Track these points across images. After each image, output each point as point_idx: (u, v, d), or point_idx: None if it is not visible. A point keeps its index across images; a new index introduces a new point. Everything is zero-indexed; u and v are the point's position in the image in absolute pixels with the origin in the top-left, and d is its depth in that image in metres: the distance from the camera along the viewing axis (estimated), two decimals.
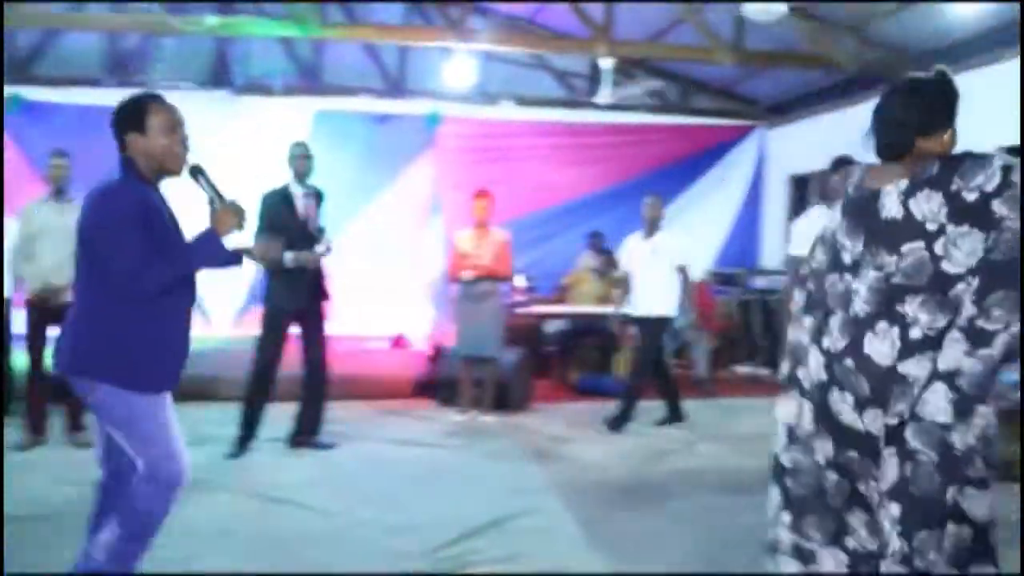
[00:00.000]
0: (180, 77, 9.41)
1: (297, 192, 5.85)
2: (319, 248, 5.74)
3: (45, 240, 5.60)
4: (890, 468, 2.22)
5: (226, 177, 9.93)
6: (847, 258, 2.38)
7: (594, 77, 10.42)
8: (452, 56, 8.96)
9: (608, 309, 8.77)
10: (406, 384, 7.74)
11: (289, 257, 5.40)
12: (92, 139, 9.53)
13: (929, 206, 2.22)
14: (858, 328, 2.29)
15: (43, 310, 5.56)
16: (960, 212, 2.17)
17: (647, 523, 4.43)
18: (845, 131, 9.23)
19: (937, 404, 2.14)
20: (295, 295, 5.64)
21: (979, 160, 2.18)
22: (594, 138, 10.52)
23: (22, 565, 3.59)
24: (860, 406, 2.27)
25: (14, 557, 3.65)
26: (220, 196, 3.09)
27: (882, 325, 2.25)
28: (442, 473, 5.35)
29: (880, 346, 2.25)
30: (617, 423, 6.56)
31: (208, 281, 9.25)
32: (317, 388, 5.82)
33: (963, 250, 2.16)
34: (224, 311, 10.11)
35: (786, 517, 2.57)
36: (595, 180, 10.50)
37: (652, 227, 6.74)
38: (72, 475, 4.93)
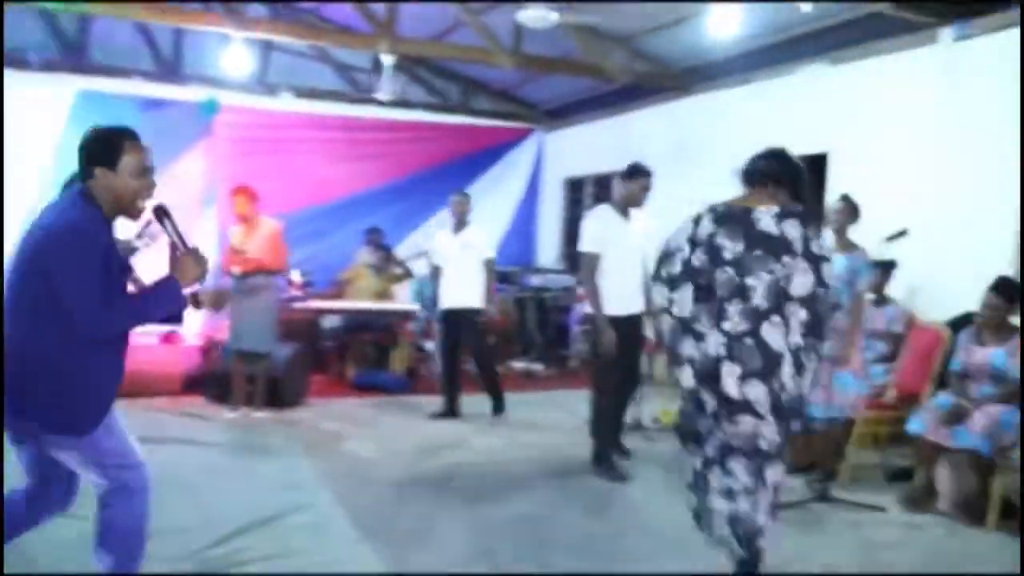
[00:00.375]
0: None
1: None
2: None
3: None
4: (768, 428, 3.12)
5: None
6: (728, 256, 3.16)
7: (376, 72, 10.39)
8: (230, 43, 8.64)
9: (386, 305, 8.83)
10: (175, 380, 7.39)
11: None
12: None
13: (794, 233, 3.11)
14: (757, 318, 3.09)
15: None
16: (806, 250, 3.10)
17: (420, 517, 4.48)
18: (617, 137, 9.86)
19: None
20: None
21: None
22: (374, 134, 10.51)
23: None
24: (743, 378, 3.07)
25: None
26: (183, 242, 2.95)
27: (776, 318, 3.09)
28: (211, 472, 5.16)
29: (774, 334, 3.08)
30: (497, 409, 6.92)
31: None
32: None
33: (803, 280, 3.08)
34: None
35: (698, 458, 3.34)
36: (374, 176, 10.50)
37: (460, 223, 6.94)
38: None
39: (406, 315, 8.79)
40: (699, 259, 3.21)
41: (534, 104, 11.46)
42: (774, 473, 3.22)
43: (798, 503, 4.84)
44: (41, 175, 9.25)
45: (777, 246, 3.10)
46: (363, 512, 4.46)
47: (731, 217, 3.22)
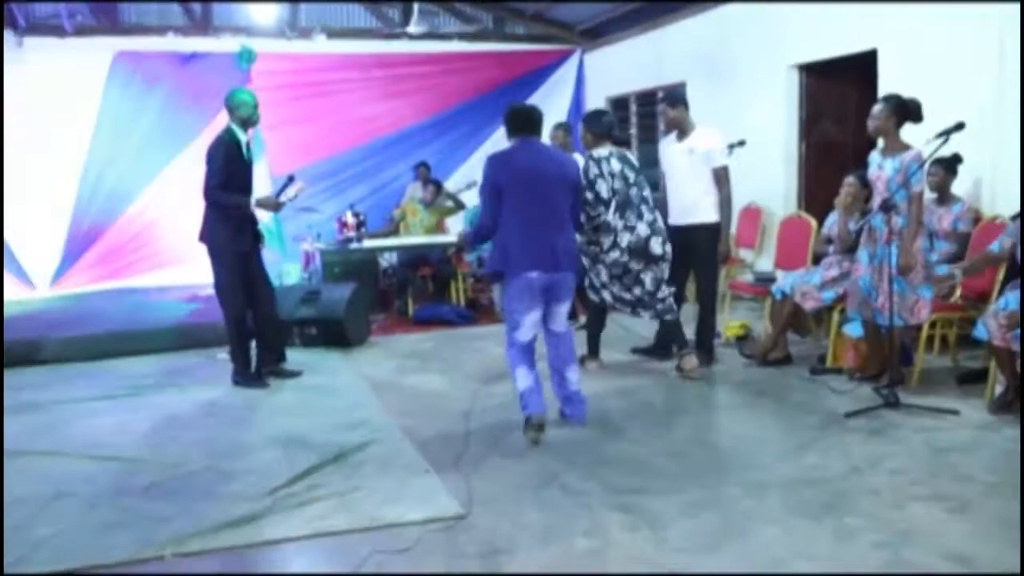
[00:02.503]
0: None
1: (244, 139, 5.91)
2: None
3: None
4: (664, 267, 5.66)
5: (12, 130, 9.46)
6: (631, 180, 5.63)
7: (407, 7, 10.28)
8: None
9: (440, 239, 8.85)
10: None
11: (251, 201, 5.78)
12: None
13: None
14: (655, 215, 5.64)
15: None
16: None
17: (486, 446, 4.56)
18: (656, 52, 9.64)
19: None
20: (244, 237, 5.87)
21: None
22: (411, 68, 10.45)
23: None
24: (661, 244, 5.62)
25: None
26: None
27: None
28: (284, 413, 5.30)
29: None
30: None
31: (23, 243, 8.85)
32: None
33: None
34: (42, 272, 9.61)
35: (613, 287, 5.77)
36: (417, 110, 10.47)
37: (683, 129, 6.07)
38: None
39: (461, 247, 8.80)
40: (619, 183, 5.53)
41: (569, 25, 11.23)
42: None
43: (867, 410, 4.80)
44: (85, 136, 9.46)
45: (639, 171, 5.70)
46: (430, 444, 4.55)
47: (624, 158, 5.66)
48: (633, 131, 10.57)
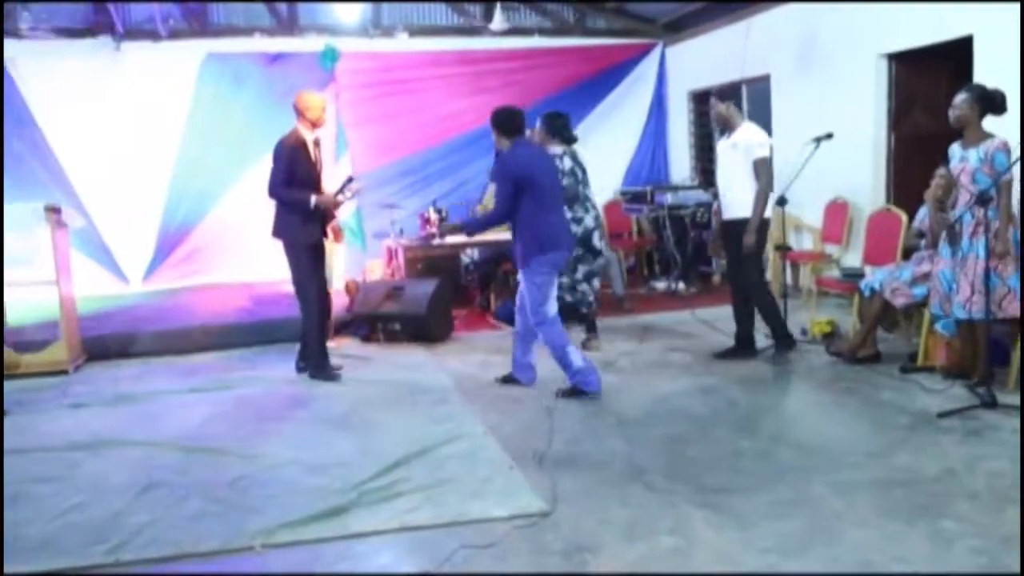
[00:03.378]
0: (52, 25, 8.99)
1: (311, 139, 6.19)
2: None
3: None
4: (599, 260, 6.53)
5: (111, 131, 9.76)
6: (579, 176, 6.47)
7: (489, 4, 10.30)
8: None
9: None
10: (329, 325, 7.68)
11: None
12: None
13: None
14: (597, 211, 6.68)
15: None
16: None
17: (571, 441, 4.55)
18: (738, 45, 9.47)
19: None
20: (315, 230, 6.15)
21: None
22: (493, 64, 10.44)
23: None
24: (600, 239, 6.53)
25: None
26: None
27: None
28: (369, 407, 5.36)
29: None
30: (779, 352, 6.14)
31: (117, 241, 9.12)
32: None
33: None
34: (135, 268, 9.91)
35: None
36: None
37: (726, 126, 6.21)
38: None
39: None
40: (569, 180, 6.24)
41: (651, 18, 11.08)
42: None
43: (961, 410, 4.65)
44: (177, 136, 9.72)
45: (585, 171, 6.47)
46: (514, 440, 4.56)
47: (574, 156, 6.39)
48: (716, 125, 10.39)
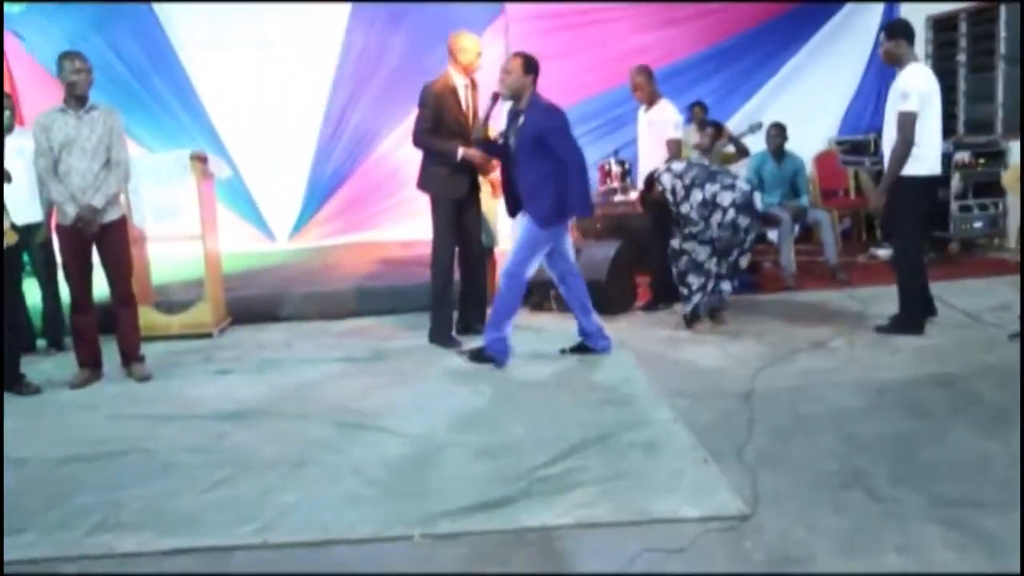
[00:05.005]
0: None
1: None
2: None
3: (72, 155, 5.63)
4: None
5: (258, 77, 10.19)
6: None
7: None
8: None
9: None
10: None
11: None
12: (107, 38, 9.80)
13: None
14: None
15: (82, 235, 5.69)
16: None
17: (774, 434, 4.44)
18: None
19: None
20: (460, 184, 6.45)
21: None
22: None
23: (81, 508, 3.80)
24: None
25: (74, 498, 3.88)
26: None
27: None
28: (540, 386, 5.43)
29: None
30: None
31: (264, 194, 9.60)
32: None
33: None
34: (282, 225, 10.35)
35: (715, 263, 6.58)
36: (692, 41, 10.19)
37: (899, 66, 6.13)
38: (130, 410, 5.19)
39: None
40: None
41: None
42: None
43: None
44: (327, 79, 10.05)
45: None
46: (707, 429, 4.49)
47: None
48: (961, 58, 9.83)
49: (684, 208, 6.57)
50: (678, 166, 6.74)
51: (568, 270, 6.03)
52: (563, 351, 6.08)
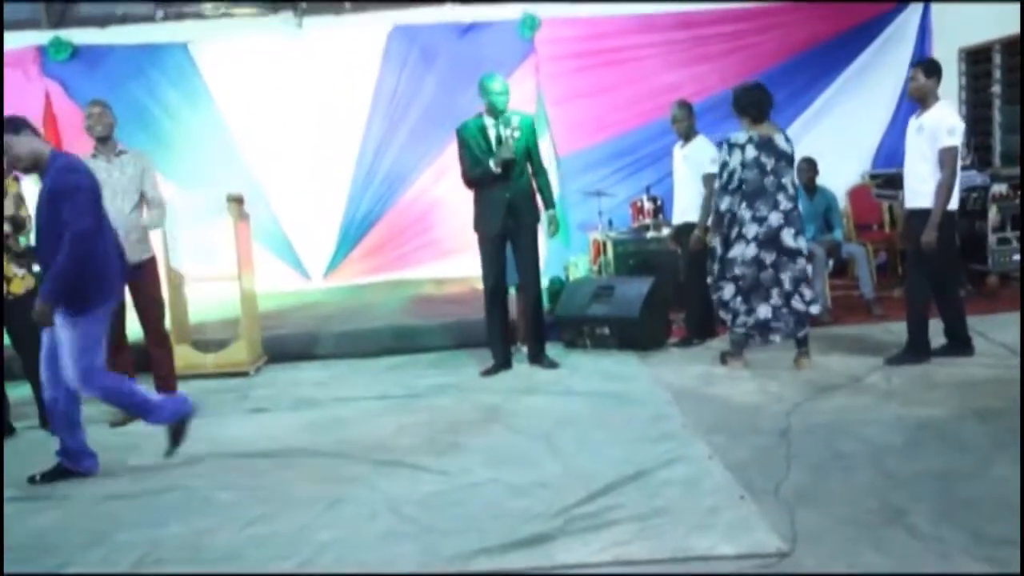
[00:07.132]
0: (235, 2, 9.62)
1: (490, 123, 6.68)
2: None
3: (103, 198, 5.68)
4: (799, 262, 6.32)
5: (291, 114, 10.37)
6: (769, 167, 6.22)
7: None
8: None
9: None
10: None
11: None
12: (145, 81, 10.00)
13: (790, 147, 6.42)
14: (792, 202, 6.31)
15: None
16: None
17: (812, 471, 4.41)
18: None
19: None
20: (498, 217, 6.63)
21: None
22: (718, 28, 10.22)
23: (123, 545, 3.84)
24: (795, 236, 6.27)
25: (116, 535, 3.92)
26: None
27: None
28: (573, 423, 5.42)
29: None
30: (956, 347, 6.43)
31: (298, 234, 9.72)
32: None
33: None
34: (316, 264, 10.44)
35: (739, 301, 6.37)
36: (725, 76, 10.11)
37: (924, 102, 6.26)
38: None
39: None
40: (750, 172, 6.22)
41: None
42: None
43: None
44: (361, 117, 10.17)
45: (789, 158, 6.35)
46: (743, 466, 4.47)
47: (767, 142, 6.26)
48: (996, 89, 9.79)
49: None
50: None
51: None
52: (31, 479, 4.79)
